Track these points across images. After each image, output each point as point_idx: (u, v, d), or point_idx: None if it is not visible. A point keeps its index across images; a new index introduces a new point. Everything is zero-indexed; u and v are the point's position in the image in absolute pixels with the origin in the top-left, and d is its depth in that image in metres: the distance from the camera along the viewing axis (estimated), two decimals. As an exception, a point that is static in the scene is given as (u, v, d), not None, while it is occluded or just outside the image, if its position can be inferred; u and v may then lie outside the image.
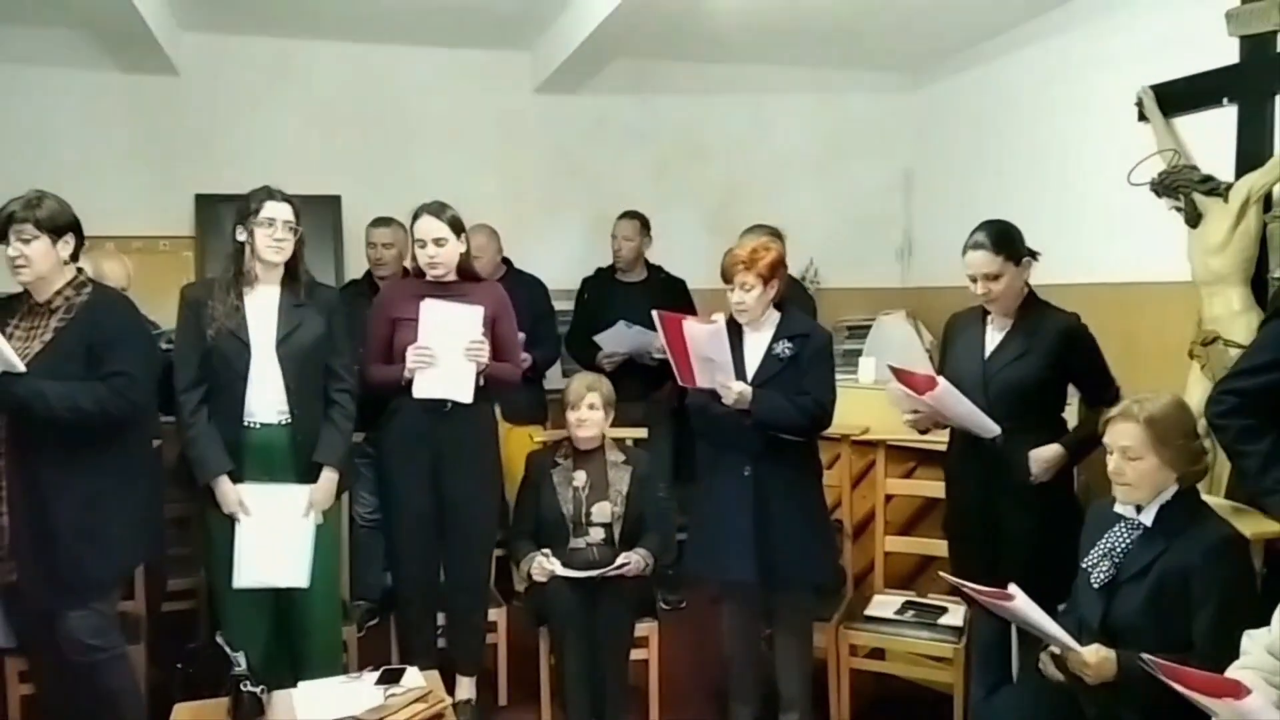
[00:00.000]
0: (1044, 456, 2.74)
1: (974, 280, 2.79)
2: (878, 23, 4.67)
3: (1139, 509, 2.29)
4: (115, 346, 2.66)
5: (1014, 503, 2.78)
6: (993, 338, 2.86)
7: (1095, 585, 2.30)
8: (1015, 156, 4.75)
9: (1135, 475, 2.25)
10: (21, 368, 2.52)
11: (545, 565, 3.24)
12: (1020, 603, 2.19)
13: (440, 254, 3.20)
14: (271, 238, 2.85)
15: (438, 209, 3.22)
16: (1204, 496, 2.36)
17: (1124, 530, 2.31)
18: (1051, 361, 2.76)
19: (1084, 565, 2.36)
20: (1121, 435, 2.26)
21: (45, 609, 2.66)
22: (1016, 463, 2.75)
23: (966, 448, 2.87)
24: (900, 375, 2.84)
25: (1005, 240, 2.78)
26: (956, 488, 3.00)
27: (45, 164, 4.26)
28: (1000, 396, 2.78)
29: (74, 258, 2.72)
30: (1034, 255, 2.83)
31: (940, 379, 2.75)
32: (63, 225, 2.65)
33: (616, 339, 4.41)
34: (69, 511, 2.62)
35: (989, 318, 2.89)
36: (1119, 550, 2.29)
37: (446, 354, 3.13)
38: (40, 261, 2.62)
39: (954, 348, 2.93)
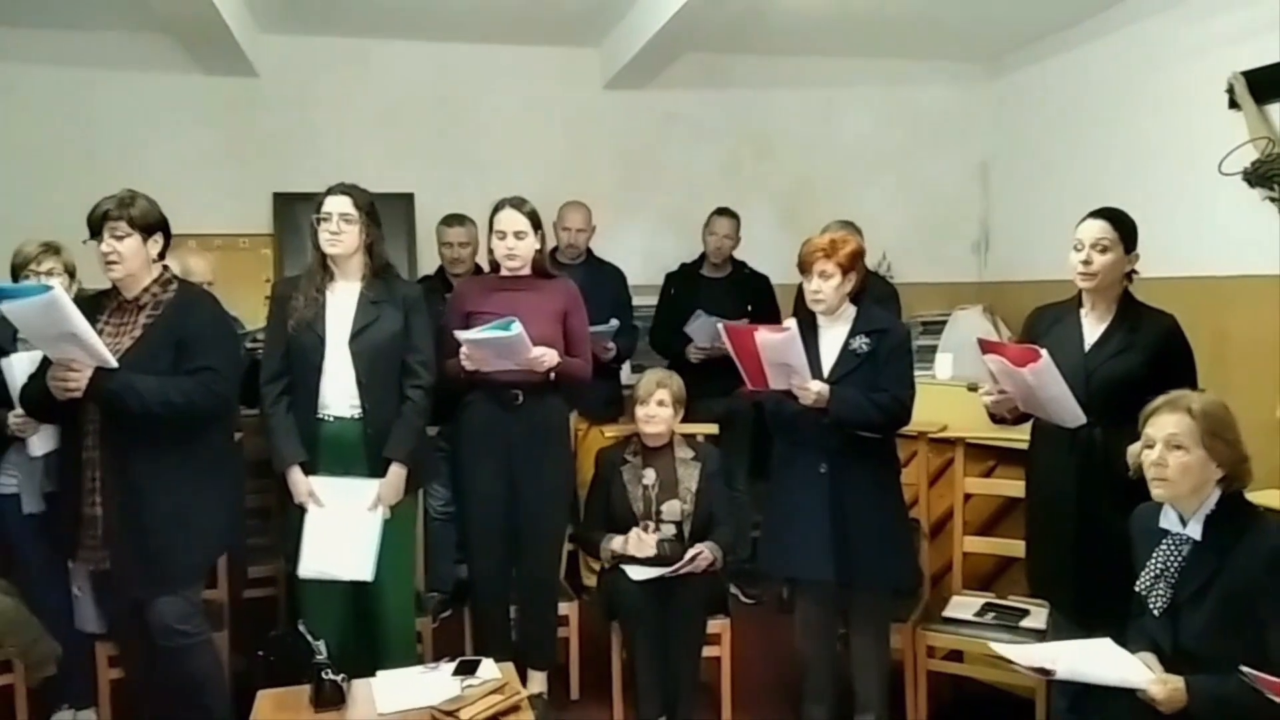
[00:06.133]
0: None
1: (1079, 249, 2.70)
2: (953, 11, 4.59)
3: (1184, 522, 2.22)
4: (202, 342, 2.73)
5: (1112, 500, 2.67)
6: (1091, 331, 2.76)
7: (1156, 612, 2.23)
8: (1098, 147, 4.63)
9: (1177, 468, 2.16)
10: (114, 363, 2.59)
11: (644, 537, 3.27)
12: (1064, 670, 2.17)
13: (519, 247, 3.24)
14: (327, 231, 2.92)
15: (519, 203, 3.26)
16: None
17: (1173, 547, 2.23)
18: (1153, 359, 2.66)
19: (1139, 589, 2.27)
20: (1168, 424, 2.18)
21: (137, 596, 2.74)
22: (1116, 458, 2.66)
23: (1057, 443, 2.76)
24: (992, 348, 2.74)
25: (1126, 222, 2.72)
26: (1043, 485, 2.88)
27: (130, 164, 4.38)
28: (1102, 390, 2.68)
29: (160, 256, 2.79)
30: (1134, 269, 2.75)
31: (1044, 352, 2.61)
32: (153, 224, 2.73)
33: (704, 330, 4.34)
34: (161, 501, 2.68)
35: (1082, 311, 2.80)
36: (1172, 570, 2.21)
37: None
38: (132, 259, 2.70)
39: (1045, 340, 2.82)
